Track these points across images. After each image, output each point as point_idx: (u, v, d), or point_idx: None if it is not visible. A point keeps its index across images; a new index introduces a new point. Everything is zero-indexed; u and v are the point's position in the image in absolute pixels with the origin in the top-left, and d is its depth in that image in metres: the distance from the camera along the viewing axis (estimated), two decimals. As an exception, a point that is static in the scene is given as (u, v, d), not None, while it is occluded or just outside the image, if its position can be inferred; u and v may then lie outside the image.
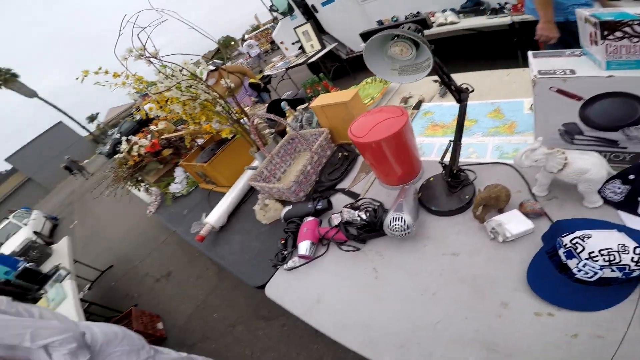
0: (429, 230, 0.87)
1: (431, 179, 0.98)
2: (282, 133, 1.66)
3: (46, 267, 3.15)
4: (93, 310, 3.15)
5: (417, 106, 1.38)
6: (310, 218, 1.08)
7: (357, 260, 0.91)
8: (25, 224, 9.05)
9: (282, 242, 1.09)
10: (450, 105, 1.28)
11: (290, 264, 1.00)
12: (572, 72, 0.70)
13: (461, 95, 0.75)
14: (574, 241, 0.59)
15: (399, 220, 0.80)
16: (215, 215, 1.42)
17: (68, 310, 2.19)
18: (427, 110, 1.35)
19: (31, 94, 24.71)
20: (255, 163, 1.53)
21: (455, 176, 0.89)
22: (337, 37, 5.58)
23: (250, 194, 1.54)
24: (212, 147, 1.76)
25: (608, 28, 0.64)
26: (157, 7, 1.05)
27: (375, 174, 1.11)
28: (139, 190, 2.32)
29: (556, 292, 0.61)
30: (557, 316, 0.59)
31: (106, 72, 1.13)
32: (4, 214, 12.00)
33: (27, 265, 3.00)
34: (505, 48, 3.21)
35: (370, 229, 0.91)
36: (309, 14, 5.45)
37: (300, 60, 5.03)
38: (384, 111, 0.97)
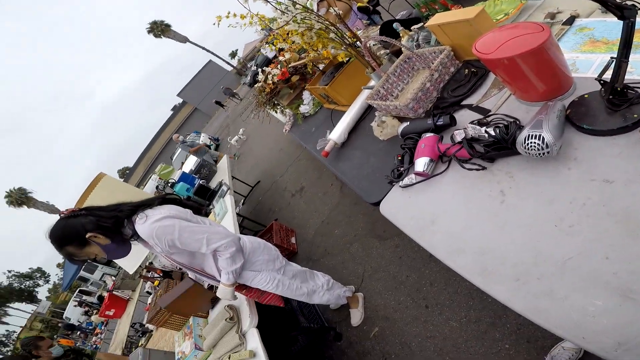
0: (576, 151, 0.72)
1: (586, 95, 0.78)
2: (397, 53, 1.58)
3: (213, 183, 3.77)
4: (245, 225, 3.72)
5: (570, 22, 1.03)
6: (429, 134, 1.02)
7: (482, 180, 0.84)
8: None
9: (399, 158, 1.08)
10: (619, 22, 0.91)
11: (406, 180, 0.99)
12: None
13: (624, 12, 0.55)
14: None
15: (536, 137, 0.69)
16: (337, 132, 1.54)
17: (228, 223, 2.50)
18: (583, 26, 1.01)
19: (184, 39, 29.25)
20: (372, 83, 1.52)
21: (620, 93, 0.69)
22: None
23: (368, 111, 1.57)
24: (331, 70, 1.84)
25: None
26: None
27: (510, 90, 0.95)
28: (276, 112, 2.69)
29: None
30: None
31: (234, 15, 1.30)
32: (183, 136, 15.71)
33: (201, 182, 3.70)
34: None
35: (500, 146, 0.81)
36: None
37: None
38: (518, 27, 0.78)
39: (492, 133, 0.83)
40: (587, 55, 0.95)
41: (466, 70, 1.16)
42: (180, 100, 37.50)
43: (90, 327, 9.80)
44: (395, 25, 1.64)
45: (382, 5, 5.26)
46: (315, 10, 1.32)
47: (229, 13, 1.31)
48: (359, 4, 3.28)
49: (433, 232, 0.85)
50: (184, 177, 3.95)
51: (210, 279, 1.58)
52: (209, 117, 29.26)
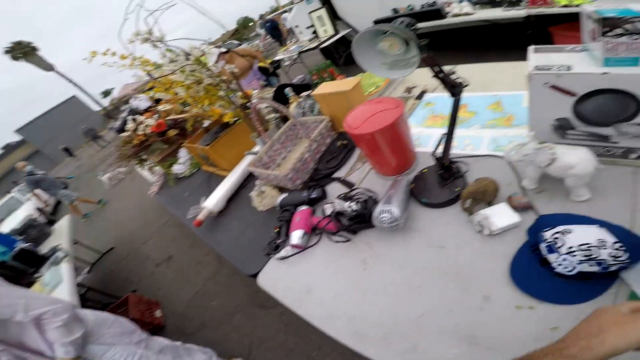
0: (418, 222, 0.89)
1: (425, 170, 1.00)
2: (286, 119, 1.68)
3: (45, 248, 3.08)
4: (90, 296, 3.10)
5: (420, 96, 1.39)
6: (304, 207, 1.10)
7: (347, 251, 0.93)
8: (29, 199, 9.10)
9: (276, 230, 1.12)
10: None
11: (282, 253, 1.03)
12: (568, 68, 0.71)
13: (455, 89, 0.76)
14: (554, 236, 0.62)
15: (387, 212, 0.83)
16: (214, 199, 1.45)
17: (62, 295, 2.15)
18: (428, 101, 1.36)
19: (48, 67, 24.94)
20: (257, 148, 1.56)
21: (447, 168, 0.91)
22: (351, 23, 5.55)
23: (249, 179, 1.57)
24: (216, 130, 1.78)
25: (609, 25, 0.65)
26: None
27: (370, 164, 1.14)
28: (143, 169, 2.37)
29: (537, 285, 0.64)
30: (538, 309, 0.61)
31: (113, 54, 1.17)
32: (9, 186, 12.30)
33: (24, 245, 2.93)
34: (517, 40, 3.15)
35: (360, 220, 0.94)
36: None
37: (313, 45, 5.10)
38: (381, 102, 0.99)
39: (355, 207, 0.95)
40: (428, 130, 1.22)
41: (339, 143, 1.33)
42: (18, 137, 30.09)
43: None
44: (286, 90, 1.78)
45: (281, 69, 5.84)
46: (215, 62, 1.31)
47: (107, 50, 1.18)
48: (260, 64, 3.59)
49: (309, 301, 0.88)
50: (0, 238, 3.05)
51: (36, 355, 1.22)
52: (54, 165, 24.00)
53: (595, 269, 0.58)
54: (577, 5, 2.82)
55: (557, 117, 0.78)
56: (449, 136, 0.85)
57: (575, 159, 0.68)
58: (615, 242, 0.57)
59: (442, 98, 1.34)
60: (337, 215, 0.99)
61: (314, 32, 5.52)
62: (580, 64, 0.72)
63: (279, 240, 1.07)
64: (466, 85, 0.76)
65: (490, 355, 0.59)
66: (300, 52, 5.30)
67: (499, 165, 0.91)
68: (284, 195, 1.21)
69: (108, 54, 1.16)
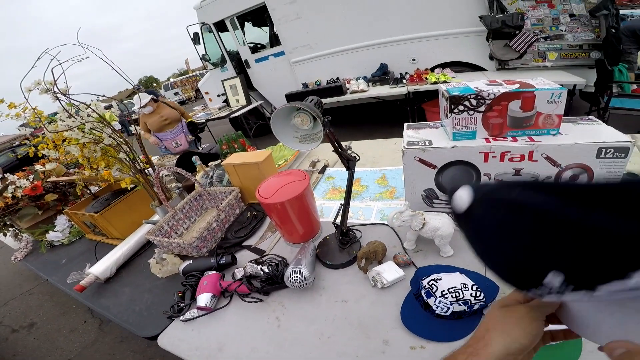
0: (324, 281, 1.00)
1: (327, 237, 1.14)
2: (189, 188, 1.67)
3: None
4: None
5: (322, 170, 1.59)
6: (211, 272, 1.11)
7: (260, 310, 0.97)
8: None
9: (180, 294, 1.08)
10: (346, 171, 1.52)
11: (188, 315, 1.00)
12: (430, 143, 0.89)
13: (350, 163, 0.94)
14: (430, 283, 0.78)
15: (297, 273, 0.92)
16: (102, 267, 1.32)
17: None
18: (330, 175, 1.57)
19: None
20: (156, 217, 1.50)
21: (345, 234, 1.07)
22: (264, 94, 5.88)
23: (146, 247, 1.48)
24: (107, 196, 1.66)
25: (454, 102, 0.80)
26: (79, 42, 1.06)
27: (280, 232, 1.22)
28: (5, 235, 1.97)
29: (423, 327, 0.76)
30: (428, 348, 0.73)
31: (1, 101, 1.06)
32: None
33: None
34: (401, 116, 3.76)
35: (273, 281, 1.00)
36: (241, 68, 5.70)
37: (223, 114, 5.02)
38: (290, 174, 1.12)
39: (267, 270, 1.01)
40: (330, 202, 1.37)
41: (249, 214, 1.38)
42: None
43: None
44: (194, 158, 1.77)
45: (206, 125, 5.55)
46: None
47: None
48: (190, 120, 3.73)
49: (221, 359, 0.86)
50: None
51: None
52: None
53: (463, 308, 0.74)
54: (443, 82, 3.44)
55: (425, 187, 0.99)
56: (345, 206, 1.01)
57: (440, 223, 0.90)
58: (474, 285, 0.75)
59: (340, 172, 1.56)
60: (249, 278, 1.03)
61: (225, 100, 5.53)
62: (438, 138, 0.89)
63: (183, 304, 1.04)
64: (358, 160, 0.94)
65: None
66: (207, 120, 5.15)
67: (386, 231, 1.11)
68: (188, 262, 1.18)
69: None
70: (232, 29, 5.32)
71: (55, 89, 1.05)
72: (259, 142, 2.24)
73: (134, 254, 1.44)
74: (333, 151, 0.92)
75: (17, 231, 1.92)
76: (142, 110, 3.48)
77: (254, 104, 5.27)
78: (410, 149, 0.92)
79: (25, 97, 1.08)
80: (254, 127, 5.44)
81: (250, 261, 1.09)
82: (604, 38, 3.02)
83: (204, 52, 5.88)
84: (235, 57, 5.72)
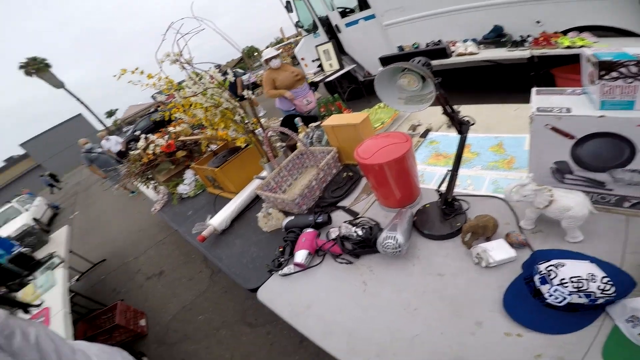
0: (419, 251, 0.94)
1: (427, 205, 1.06)
2: (292, 147, 1.77)
3: (40, 254, 3.15)
4: (77, 301, 3.16)
5: (424, 134, 1.47)
6: (309, 229, 1.15)
7: (349, 273, 0.98)
8: (27, 210, 9.28)
9: (280, 249, 1.16)
10: (457, 136, 1.37)
11: (285, 270, 1.07)
12: (568, 110, 0.74)
13: (462, 127, 0.83)
14: (548, 268, 0.66)
15: (391, 239, 0.88)
16: (219, 219, 1.50)
17: (55, 297, 2.24)
18: (433, 140, 1.44)
19: (59, 84, 25.87)
20: (264, 173, 1.63)
21: (449, 204, 0.97)
22: (356, 59, 5.76)
23: (255, 202, 1.63)
24: (224, 153, 1.87)
25: (605, 68, 0.67)
26: (194, 16, 1.18)
27: (375, 195, 1.19)
28: (147, 187, 2.43)
29: (528, 315, 0.67)
30: (525, 337, 0.65)
31: (141, 72, 1.26)
32: (8, 197, 12.34)
33: (23, 249, 3.05)
34: (521, 82, 3.23)
35: (364, 244, 0.99)
36: (332, 33, 5.66)
37: (318, 79, 5.18)
38: (390, 136, 1.06)
39: (360, 233, 1.00)
40: (432, 168, 1.28)
41: (344, 174, 1.39)
42: (21, 151, 30.49)
43: None
44: (296, 120, 1.88)
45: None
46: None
47: (136, 68, 1.26)
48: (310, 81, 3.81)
49: (308, 317, 0.91)
50: (-2, 241, 3.12)
51: None
52: (41, 188, 24.20)
53: (584, 300, 0.61)
54: (580, 47, 2.80)
55: (556, 160, 0.82)
56: (453, 173, 0.91)
57: (572, 202, 0.73)
58: (604, 277, 0.61)
59: (445, 137, 1.42)
60: (342, 239, 1.04)
61: (319, 65, 5.62)
62: (579, 106, 0.74)
63: (283, 259, 1.12)
64: (473, 124, 0.82)
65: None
66: None
67: (498, 206, 0.97)
68: (290, 218, 1.26)
69: (136, 72, 1.25)
70: (322, -7, 5.28)
71: (181, 59, 1.20)
72: (352, 106, 2.25)
73: (245, 207, 1.61)
74: (443, 114, 0.82)
75: (156, 184, 2.36)
76: (271, 64, 3.32)
77: (347, 68, 5.26)
78: (540, 116, 0.77)
79: (159, 67, 1.27)
80: (347, 90, 5.52)
81: (345, 222, 1.10)
82: None
83: (297, 19, 5.97)
84: (325, 22, 5.66)
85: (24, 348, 1.02)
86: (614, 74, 0.67)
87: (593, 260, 0.66)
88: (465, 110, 1.43)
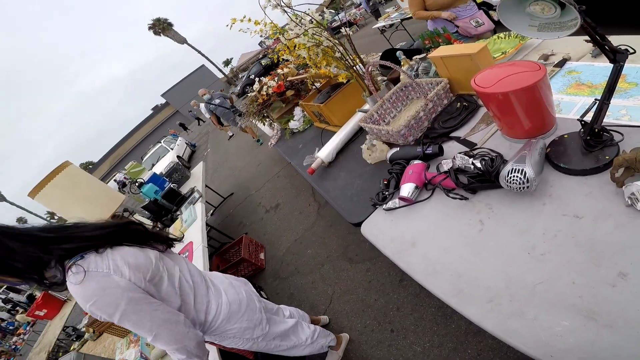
0: (552, 188, 0.80)
1: (565, 135, 0.87)
2: (394, 81, 1.67)
3: (184, 189, 3.69)
4: (212, 235, 3.60)
5: (561, 64, 1.17)
6: (417, 161, 1.08)
7: (463, 210, 0.90)
8: (172, 149, 11.42)
9: (385, 182, 1.13)
10: (605, 66, 1.05)
11: (390, 204, 1.04)
12: None
13: (617, 55, 0.64)
14: None
15: (518, 172, 0.76)
16: (326, 151, 1.57)
17: (196, 231, 2.50)
18: (572, 69, 1.14)
19: (182, 40, 29.61)
20: (367, 106, 1.60)
21: (596, 135, 0.78)
22: None
23: (358, 134, 1.63)
24: (328, 90, 1.91)
25: None
26: None
27: (497, 125, 1.04)
28: (264, 124, 2.69)
29: None
30: None
31: (249, 20, 1.35)
32: (158, 138, 15.40)
33: (172, 185, 3.57)
34: None
35: (483, 178, 0.88)
36: None
37: None
38: (516, 65, 0.88)
39: (479, 165, 0.89)
40: (571, 97, 1.06)
41: (458, 104, 1.25)
42: (163, 100, 37.15)
43: (11, 327, 8.84)
44: (398, 53, 1.76)
45: (384, 35, 5.66)
46: None
47: (244, 17, 1.35)
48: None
49: (412, 255, 0.88)
50: (154, 179, 3.79)
51: None
52: (190, 121, 29.10)
53: None
54: None
55: None
56: (603, 102, 0.71)
57: None
58: None
59: (589, 67, 1.10)
60: (457, 171, 0.95)
61: None
62: None
63: (387, 192, 1.08)
64: (633, 52, 0.63)
65: (608, 334, 0.53)
66: (402, 20, 5.09)
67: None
68: (395, 149, 1.21)
69: (244, 20, 1.35)
70: None
71: (282, 3, 1.26)
72: (464, 40, 1.94)
73: (348, 140, 1.63)
74: (588, 41, 0.66)
75: (271, 122, 2.58)
76: None
77: None
78: None
79: (264, 12, 1.32)
80: None
81: (460, 152, 0.99)
82: None
83: None
84: None
85: (170, 293, 1.06)
86: None
87: None
88: (618, 41, 1.06)
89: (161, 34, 28.70)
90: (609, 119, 0.86)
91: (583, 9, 0.56)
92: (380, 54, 1.94)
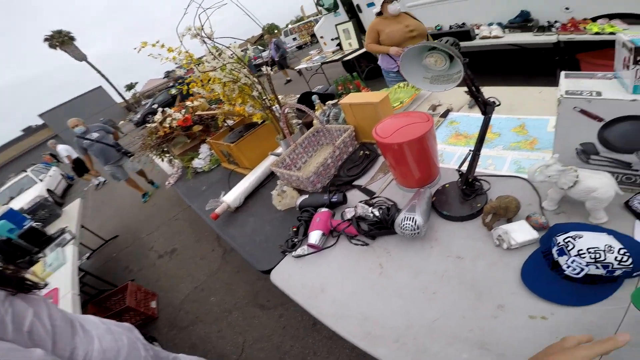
0: (437, 233, 0.94)
1: (447, 185, 1.05)
2: (308, 125, 1.76)
3: (52, 229, 3.13)
4: (87, 280, 3.11)
5: (445, 114, 1.45)
6: (324, 209, 1.15)
7: (364, 255, 0.98)
8: (41, 180, 9.48)
9: (294, 229, 1.16)
10: (478, 117, 1.33)
11: (299, 251, 1.07)
12: (599, 94, 0.75)
13: (487, 108, 0.82)
14: (566, 240, 0.67)
15: (410, 220, 0.88)
16: (233, 195, 1.52)
17: (65, 277, 2.19)
18: (453, 120, 1.42)
19: (81, 57, 26.36)
20: (279, 150, 1.63)
21: (470, 184, 0.96)
22: None
23: (269, 179, 1.64)
24: (240, 129, 1.88)
25: None
26: None
27: (393, 175, 1.18)
28: (162, 160, 2.45)
29: (546, 287, 0.68)
30: (550, 320, 0.65)
31: (162, 45, 1.27)
32: (25, 166, 12.68)
33: (34, 224, 2.99)
34: (545, 66, 3.29)
35: (381, 226, 0.98)
36: (353, 12, 5.65)
37: (337, 57, 5.28)
38: (410, 116, 1.04)
39: (377, 213, 1.00)
40: (452, 147, 1.28)
41: (361, 152, 1.38)
42: (39, 121, 31.36)
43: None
44: (313, 97, 1.87)
45: (303, 76, 5.94)
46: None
47: (157, 42, 1.27)
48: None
49: (321, 300, 0.92)
50: (10, 215, 3.10)
51: None
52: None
53: (602, 272, 0.62)
54: (609, 33, 2.86)
55: (582, 141, 0.81)
56: (475, 152, 0.89)
57: (598, 183, 0.72)
58: (621, 248, 0.61)
59: (466, 117, 1.40)
60: (358, 219, 1.03)
61: (339, 44, 5.70)
62: (610, 90, 0.76)
63: (297, 239, 1.12)
64: (498, 105, 0.81)
65: (501, 362, 0.62)
66: (323, 63, 5.49)
67: (520, 186, 0.96)
68: (304, 196, 1.26)
69: (157, 45, 1.26)
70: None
71: (202, 33, 1.20)
72: (370, 85, 2.20)
73: (259, 184, 1.62)
74: (467, 93, 0.81)
75: (171, 158, 2.38)
76: (388, 9, 2.61)
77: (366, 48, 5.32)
78: (569, 99, 0.78)
79: (180, 41, 1.27)
80: (366, 70, 5.60)
81: (361, 201, 1.09)
82: None
83: None
84: (347, 1, 5.66)
85: (16, 339, 0.91)
86: (650, 60, 0.66)
87: (610, 232, 0.66)
88: (489, 92, 1.40)
89: (57, 48, 25.16)
90: (479, 169, 1.07)
91: (466, 61, 0.69)
92: (298, 96, 2.04)
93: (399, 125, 1.01)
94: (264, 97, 1.50)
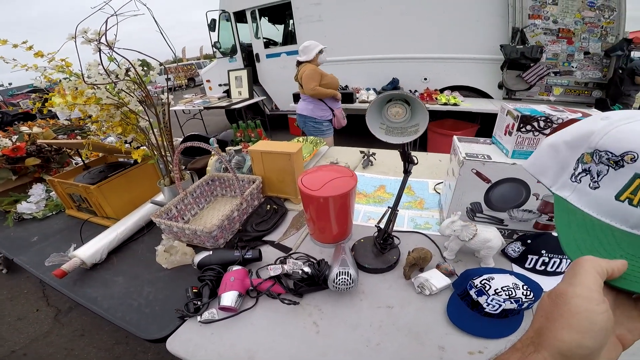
0: (363, 285, 0.99)
1: (362, 240, 1.14)
2: (198, 172, 1.62)
3: None
4: None
5: None
6: (237, 267, 1.06)
7: (295, 314, 0.94)
8: None
9: (195, 290, 1.02)
10: (371, 177, 1.57)
11: (207, 316, 0.94)
12: (489, 157, 0.95)
13: (409, 166, 0.95)
14: (482, 282, 0.83)
15: (345, 274, 0.91)
16: (91, 250, 1.23)
17: None
18: None
19: None
20: (160, 197, 1.44)
21: (385, 239, 1.09)
22: (268, 91, 6.08)
23: (145, 231, 1.41)
24: (101, 168, 1.57)
25: (524, 121, 0.87)
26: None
27: (310, 229, 1.21)
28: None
29: (473, 325, 0.81)
30: (486, 353, 0.76)
31: (30, 47, 0.97)
32: None
33: None
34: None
35: (311, 282, 0.97)
36: (249, 61, 5.86)
37: (223, 104, 5.19)
38: (334, 170, 1.12)
39: (306, 270, 0.98)
40: (356, 205, 1.38)
41: (268, 206, 1.36)
42: None
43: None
44: (211, 140, 1.73)
45: (200, 114, 5.64)
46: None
47: (25, 41, 0.96)
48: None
49: None
50: None
51: None
52: None
53: (514, 306, 0.78)
54: (453, 104, 3.72)
55: (472, 201, 1.04)
56: (393, 210, 1.03)
57: (491, 235, 0.94)
58: (524, 285, 0.81)
59: (362, 177, 1.60)
60: (284, 277, 1.00)
61: (226, 91, 5.69)
62: (495, 154, 0.96)
63: (200, 302, 0.98)
64: (416, 164, 0.95)
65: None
66: (206, 108, 5.33)
67: (421, 240, 1.15)
68: (206, 253, 1.12)
69: (21, 46, 0.96)
70: (251, 20, 5.56)
71: (102, 40, 0.96)
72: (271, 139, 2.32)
73: (128, 238, 1.36)
74: (398, 149, 0.91)
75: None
76: (319, 60, 2.95)
77: (257, 99, 5.47)
78: (470, 161, 0.96)
79: (63, 46, 0.97)
80: (254, 122, 5.75)
81: (280, 258, 1.10)
82: (610, 78, 3.42)
83: (217, 40, 6.06)
84: (246, 49, 5.90)
85: None
86: (529, 127, 0.88)
87: (512, 273, 0.86)
88: (379, 154, 1.66)
89: None
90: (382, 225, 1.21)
91: (429, 109, 0.80)
92: (183, 137, 1.89)
93: (327, 178, 1.07)
94: (153, 131, 1.29)
